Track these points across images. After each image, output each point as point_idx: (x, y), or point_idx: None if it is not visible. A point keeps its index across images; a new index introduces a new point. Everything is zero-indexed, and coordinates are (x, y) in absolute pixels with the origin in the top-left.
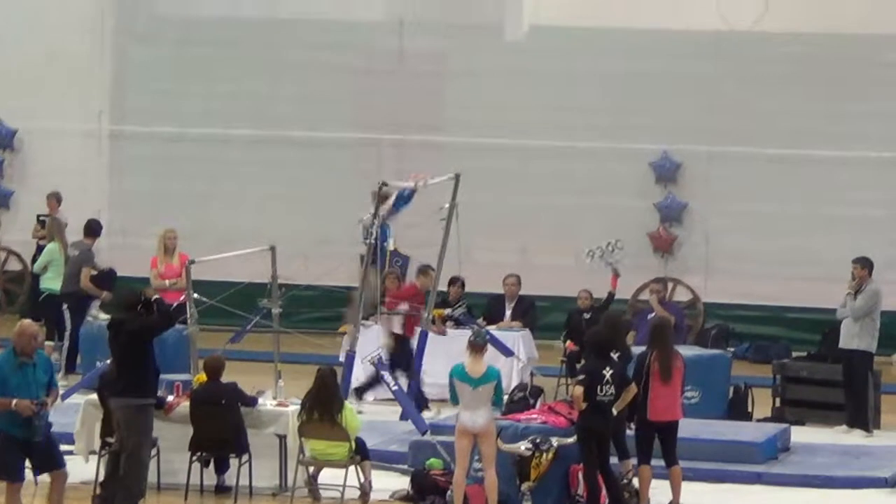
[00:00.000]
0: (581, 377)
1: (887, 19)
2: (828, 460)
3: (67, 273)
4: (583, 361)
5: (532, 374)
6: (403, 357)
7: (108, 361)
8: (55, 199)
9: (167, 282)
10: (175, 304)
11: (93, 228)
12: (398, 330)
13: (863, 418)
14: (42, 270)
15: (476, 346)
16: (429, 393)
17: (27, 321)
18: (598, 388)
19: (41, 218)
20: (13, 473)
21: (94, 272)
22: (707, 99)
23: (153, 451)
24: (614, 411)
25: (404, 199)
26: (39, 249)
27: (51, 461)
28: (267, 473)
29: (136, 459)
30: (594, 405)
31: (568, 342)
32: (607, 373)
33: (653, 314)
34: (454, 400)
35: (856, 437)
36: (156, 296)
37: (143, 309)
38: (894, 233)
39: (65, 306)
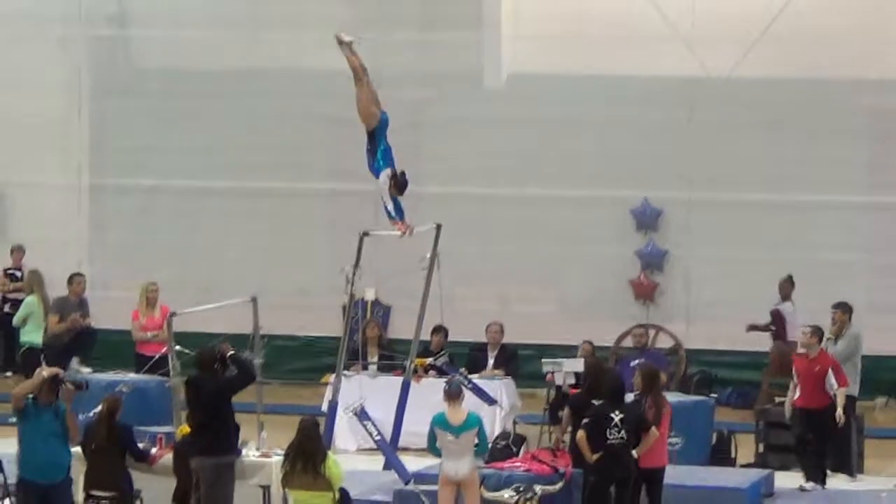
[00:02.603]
0: (586, 420)
1: (864, 65)
2: None
3: (47, 325)
4: (565, 409)
5: (515, 423)
6: None
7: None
8: (20, 251)
9: (149, 334)
10: (156, 357)
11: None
12: None
13: (846, 463)
14: (21, 323)
15: (451, 395)
16: (410, 442)
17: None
18: (607, 431)
19: (8, 272)
20: None
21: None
22: (687, 145)
23: None
24: (635, 454)
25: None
26: (7, 302)
27: None
28: None
29: None
30: (606, 450)
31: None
32: (616, 416)
33: (636, 361)
34: (432, 449)
35: (840, 482)
36: (231, 352)
37: (220, 366)
38: (873, 278)
39: (42, 357)
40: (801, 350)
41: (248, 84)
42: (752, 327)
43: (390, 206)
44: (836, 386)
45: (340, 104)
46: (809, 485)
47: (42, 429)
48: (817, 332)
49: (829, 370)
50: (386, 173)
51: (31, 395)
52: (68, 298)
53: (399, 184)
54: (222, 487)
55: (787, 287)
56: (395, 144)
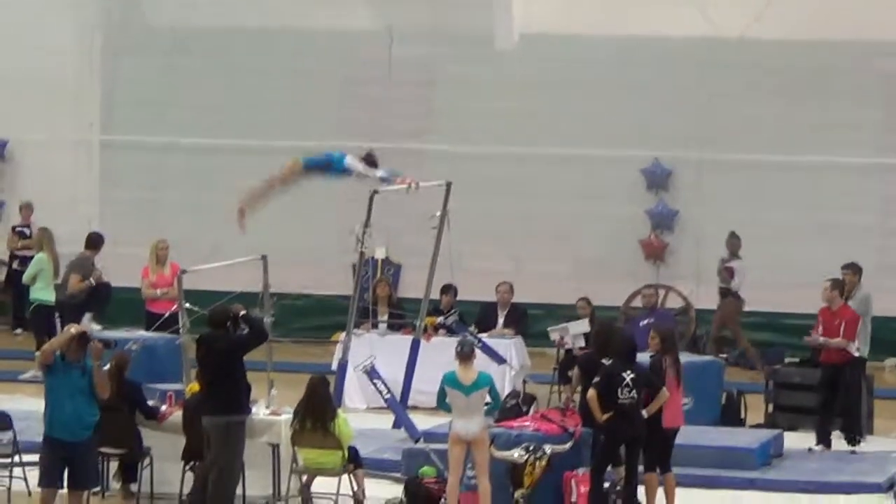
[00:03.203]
0: (596, 380)
1: (876, 26)
2: (821, 466)
3: (62, 282)
4: (575, 369)
5: (524, 382)
6: None
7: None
8: (29, 208)
9: (158, 291)
10: (166, 314)
11: (93, 240)
12: None
13: (856, 423)
14: (31, 281)
15: (463, 355)
16: (420, 401)
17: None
18: (618, 391)
19: (17, 229)
20: (51, 480)
21: (85, 281)
22: (698, 106)
23: (146, 462)
24: (645, 414)
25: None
26: (16, 259)
27: (80, 478)
28: (260, 483)
29: (228, 475)
30: (617, 410)
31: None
32: (627, 376)
33: (645, 321)
34: (441, 405)
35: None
36: (243, 311)
37: (232, 325)
38: (883, 238)
39: (57, 315)
40: (823, 304)
41: (258, 42)
42: (725, 291)
43: (380, 174)
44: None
45: (350, 63)
46: (819, 447)
47: (70, 385)
48: (837, 284)
49: (843, 323)
50: (349, 157)
51: (59, 352)
52: (89, 257)
53: (369, 160)
54: (233, 446)
55: (734, 243)
56: (407, 101)
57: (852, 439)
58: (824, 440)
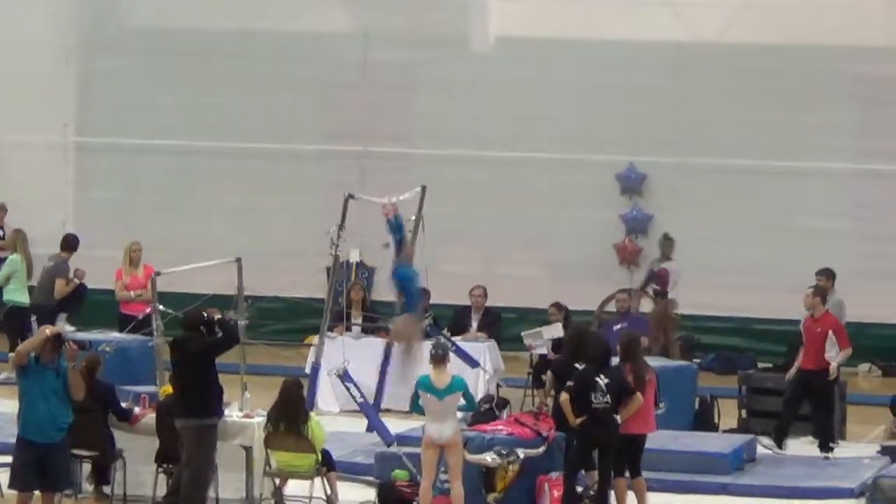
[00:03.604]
0: (570, 384)
1: (850, 31)
2: (794, 471)
3: (39, 284)
4: (549, 373)
5: (498, 386)
6: None
7: None
8: (2, 209)
9: (132, 293)
10: (140, 316)
11: (70, 242)
12: None
13: (829, 429)
14: (5, 282)
15: (438, 358)
16: (393, 404)
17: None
18: (592, 395)
19: None
20: (24, 481)
21: (68, 284)
22: (672, 110)
23: (118, 464)
24: (618, 419)
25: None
26: None
27: (53, 480)
28: (233, 485)
29: (200, 478)
30: (591, 414)
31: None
32: (601, 380)
33: (619, 326)
34: (415, 407)
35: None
36: (218, 315)
37: (206, 328)
38: (857, 244)
39: (33, 318)
40: (806, 311)
41: (235, 44)
42: (643, 292)
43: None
44: (837, 350)
45: (328, 66)
46: (769, 443)
47: (44, 387)
48: (819, 291)
49: (830, 332)
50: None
51: (33, 354)
52: (66, 259)
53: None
54: (205, 448)
55: (667, 246)
56: (383, 105)
57: (825, 446)
58: (779, 442)
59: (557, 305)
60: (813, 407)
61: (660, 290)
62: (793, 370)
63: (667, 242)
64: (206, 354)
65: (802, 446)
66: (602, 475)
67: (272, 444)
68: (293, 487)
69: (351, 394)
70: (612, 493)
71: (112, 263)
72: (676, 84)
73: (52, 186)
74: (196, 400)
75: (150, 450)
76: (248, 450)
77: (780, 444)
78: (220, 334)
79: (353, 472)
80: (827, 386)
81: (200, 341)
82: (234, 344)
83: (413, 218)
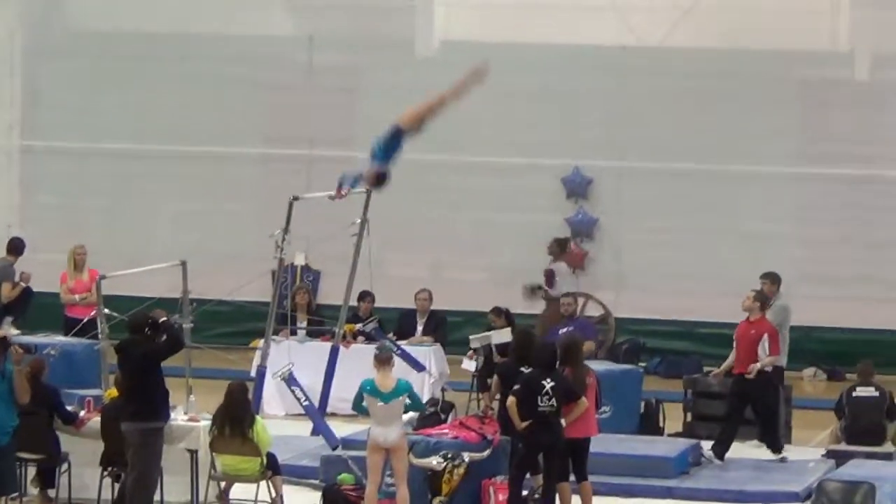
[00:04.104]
0: (516, 387)
1: (794, 35)
2: (739, 475)
3: None
4: (494, 376)
5: (443, 390)
6: None
7: None
8: None
9: (77, 297)
10: (85, 320)
11: (16, 246)
12: None
13: (775, 433)
14: None
15: (382, 360)
16: (339, 408)
17: None
18: (538, 399)
19: None
20: None
21: (14, 287)
22: (618, 114)
23: (64, 467)
24: (563, 423)
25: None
26: None
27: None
28: (178, 488)
29: (145, 483)
30: (536, 418)
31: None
32: (547, 384)
33: (564, 329)
34: (358, 408)
35: (767, 452)
36: (163, 318)
37: (151, 331)
38: (801, 248)
39: None
40: (744, 313)
41: (180, 47)
42: (532, 292)
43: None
44: (767, 353)
45: (273, 70)
46: (709, 454)
47: None
48: (760, 296)
49: (765, 336)
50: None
51: None
52: (11, 262)
53: (378, 179)
54: (150, 452)
55: (555, 247)
56: (328, 108)
57: (777, 448)
58: (719, 453)
59: (497, 311)
60: (757, 414)
61: (545, 288)
62: (721, 369)
63: (555, 244)
64: (152, 358)
65: (748, 450)
66: (547, 479)
67: (217, 447)
68: (238, 491)
69: (296, 397)
70: (557, 497)
71: (57, 267)
72: (622, 88)
73: None
74: (141, 403)
75: (95, 453)
76: (193, 453)
77: (720, 457)
78: (165, 338)
79: (298, 475)
80: (766, 386)
81: (146, 345)
82: (179, 348)
83: (358, 221)
